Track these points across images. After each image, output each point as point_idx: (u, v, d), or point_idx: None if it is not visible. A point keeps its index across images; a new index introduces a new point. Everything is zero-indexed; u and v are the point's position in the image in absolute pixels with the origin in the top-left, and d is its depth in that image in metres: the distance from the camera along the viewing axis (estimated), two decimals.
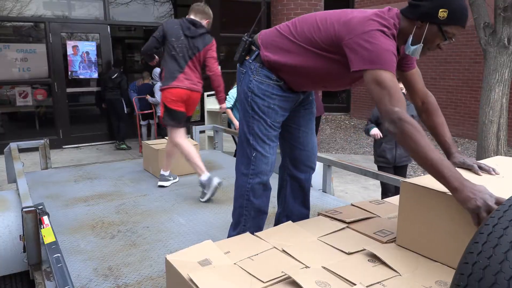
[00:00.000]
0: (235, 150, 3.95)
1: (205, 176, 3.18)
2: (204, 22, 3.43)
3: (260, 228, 2.09)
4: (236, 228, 2.11)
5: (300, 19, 1.92)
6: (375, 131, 3.90)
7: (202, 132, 5.71)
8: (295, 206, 2.27)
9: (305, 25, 1.85)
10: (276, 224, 2.31)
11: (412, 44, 1.69)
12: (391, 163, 3.74)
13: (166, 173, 3.54)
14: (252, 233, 1.79)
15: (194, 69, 3.37)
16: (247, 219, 2.08)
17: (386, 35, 1.62)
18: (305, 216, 2.28)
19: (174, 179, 3.60)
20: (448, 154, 1.79)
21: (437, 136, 1.87)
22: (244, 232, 1.96)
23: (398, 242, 1.60)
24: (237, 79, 2.06)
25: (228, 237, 2.08)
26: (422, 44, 1.67)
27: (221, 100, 3.73)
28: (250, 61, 1.96)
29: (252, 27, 2.37)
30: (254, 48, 1.96)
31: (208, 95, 6.34)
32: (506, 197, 1.27)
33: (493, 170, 1.63)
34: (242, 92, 2.00)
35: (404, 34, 1.70)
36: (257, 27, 12.93)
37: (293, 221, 1.99)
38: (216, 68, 3.45)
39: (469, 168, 1.66)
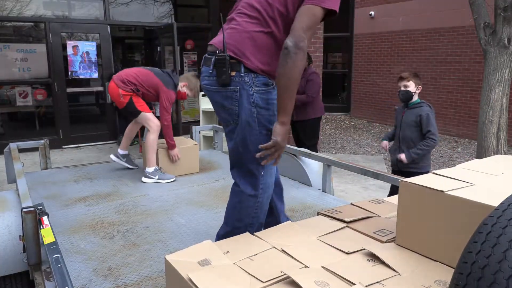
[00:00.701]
0: None
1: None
2: (181, 84, 3.94)
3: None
4: None
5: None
6: (384, 143, 3.96)
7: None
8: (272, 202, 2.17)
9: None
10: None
11: None
12: (395, 165, 3.70)
13: (151, 170, 3.70)
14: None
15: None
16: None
17: None
18: (281, 210, 2.25)
19: (171, 179, 3.63)
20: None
21: None
22: None
23: (397, 242, 1.60)
24: (227, 102, 1.82)
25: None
26: None
27: (170, 147, 3.84)
28: (242, 74, 1.77)
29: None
30: (234, 60, 1.77)
31: (203, 95, 6.37)
32: (506, 195, 1.26)
33: None
34: (243, 112, 1.80)
35: None
36: None
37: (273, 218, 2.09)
38: (162, 117, 3.76)
39: None
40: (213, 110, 5.76)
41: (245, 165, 1.88)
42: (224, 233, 2.01)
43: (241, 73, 1.77)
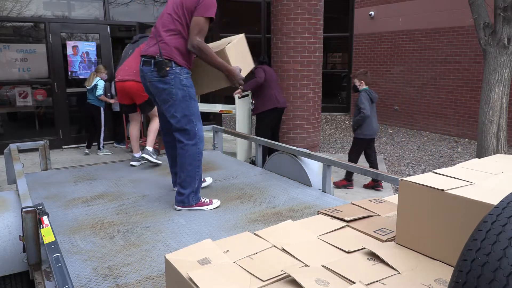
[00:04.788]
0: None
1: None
2: None
3: None
4: (199, 191, 2.95)
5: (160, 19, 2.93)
6: None
7: None
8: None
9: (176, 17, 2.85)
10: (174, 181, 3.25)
11: None
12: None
13: (150, 149, 4.17)
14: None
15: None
16: (199, 174, 2.93)
17: None
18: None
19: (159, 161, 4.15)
20: None
21: None
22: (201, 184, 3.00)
23: (397, 241, 1.60)
24: (167, 86, 2.79)
25: (190, 205, 2.90)
26: None
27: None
28: (173, 68, 2.77)
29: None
30: (167, 60, 2.76)
31: None
32: (506, 193, 1.27)
33: None
34: (179, 91, 2.79)
35: None
36: (257, 27, 12.95)
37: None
38: None
39: None
40: (203, 110, 6.08)
41: (184, 126, 2.85)
42: (180, 181, 2.90)
43: (173, 67, 2.79)
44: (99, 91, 7.08)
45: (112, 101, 7.35)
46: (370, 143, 5.42)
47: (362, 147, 5.39)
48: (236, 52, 3.04)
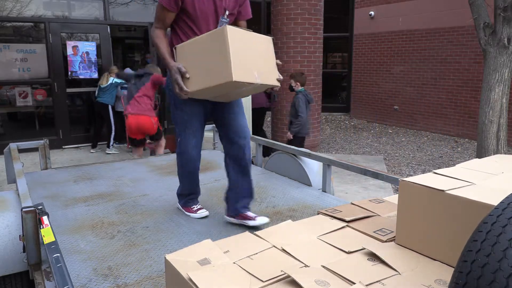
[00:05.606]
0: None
1: None
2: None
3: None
4: (181, 198, 2.90)
5: None
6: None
7: None
8: (237, 178, 2.65)
9: None
10: (225, 199, 2.73)
11: None
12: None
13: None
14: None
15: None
16: (184, 183, 2.85)
17: None
18: (247, 183, 2.67)
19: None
20: None
21: None
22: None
23: (397, 241, 1.60)
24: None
25: (180, 204, 2.88)
26: None
27: None
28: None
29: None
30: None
31: None
32: (507, 194, 1.26)
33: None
34: (169, 97, 2.64)
35: None
36: (257, 27, 12.99)
37: (237, 192, 2.62)
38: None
39: None
40: None
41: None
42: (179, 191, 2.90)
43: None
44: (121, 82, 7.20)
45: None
46: (302, 142, 5.67)
47: (296, 146, 5.64)
48: (237, 45, 2.08)
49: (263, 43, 2.27)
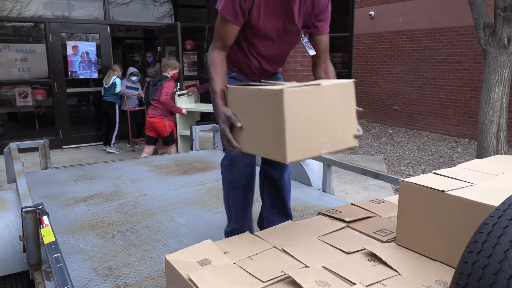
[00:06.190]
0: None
1: None
2: (168, 71, 5.77)
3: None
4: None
5: None
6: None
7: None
8: (275, 215, 2.35)
9: None
10: (258, 222, 2.48)
11: None
12: None
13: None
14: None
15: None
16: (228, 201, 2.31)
17: None
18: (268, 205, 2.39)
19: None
20: None
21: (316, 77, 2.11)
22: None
23: (397, 242, 1.60)
24: None
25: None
26: None
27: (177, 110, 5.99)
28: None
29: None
30: None
31: (179, 95, 6.58)
32: (507, 195, 1.26)
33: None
34: None
35: None
36: None
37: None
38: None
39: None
40: (191, 110, 6.65)
41: None
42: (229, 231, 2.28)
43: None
44: (118, 88, 7.33)
45: (135, 93, 7.62)
46: None
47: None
48: (296, 114, 1.56)
49: (339, 93, 1.71)
